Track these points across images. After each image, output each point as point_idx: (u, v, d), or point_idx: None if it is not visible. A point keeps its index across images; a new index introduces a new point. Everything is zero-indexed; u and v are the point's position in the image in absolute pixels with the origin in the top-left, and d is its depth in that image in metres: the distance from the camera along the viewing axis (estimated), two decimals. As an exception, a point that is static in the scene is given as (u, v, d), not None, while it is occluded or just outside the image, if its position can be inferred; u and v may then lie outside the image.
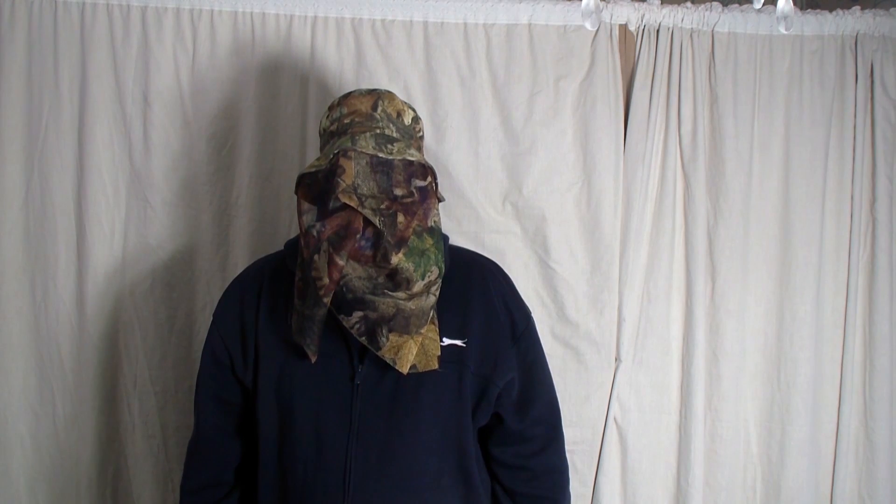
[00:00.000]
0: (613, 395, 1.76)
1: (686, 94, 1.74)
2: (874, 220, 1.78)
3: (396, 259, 1.17)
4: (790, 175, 1.77)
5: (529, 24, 1.73)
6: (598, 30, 1.73)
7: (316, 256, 1.18)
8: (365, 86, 1.62)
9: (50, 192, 1.70)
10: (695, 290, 1.75)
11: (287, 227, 1.73)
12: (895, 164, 1.78)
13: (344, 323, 1.21)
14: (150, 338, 1.73)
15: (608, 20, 1.74)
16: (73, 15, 1.67)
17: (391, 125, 1.25)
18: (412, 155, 1.23)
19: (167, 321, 1.74)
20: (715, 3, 1.75)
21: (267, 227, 1.74)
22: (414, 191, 1.21)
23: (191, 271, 1.74)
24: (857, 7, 1.77)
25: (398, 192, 1.20)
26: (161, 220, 1.72)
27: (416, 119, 1.31)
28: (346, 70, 1.72)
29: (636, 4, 1.74)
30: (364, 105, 1.26)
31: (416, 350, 1.21)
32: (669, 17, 1.74)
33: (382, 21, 1.72)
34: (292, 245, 1.31)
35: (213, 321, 1.36)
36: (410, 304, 1.20)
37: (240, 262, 1.70)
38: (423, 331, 1.21)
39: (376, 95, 1.27)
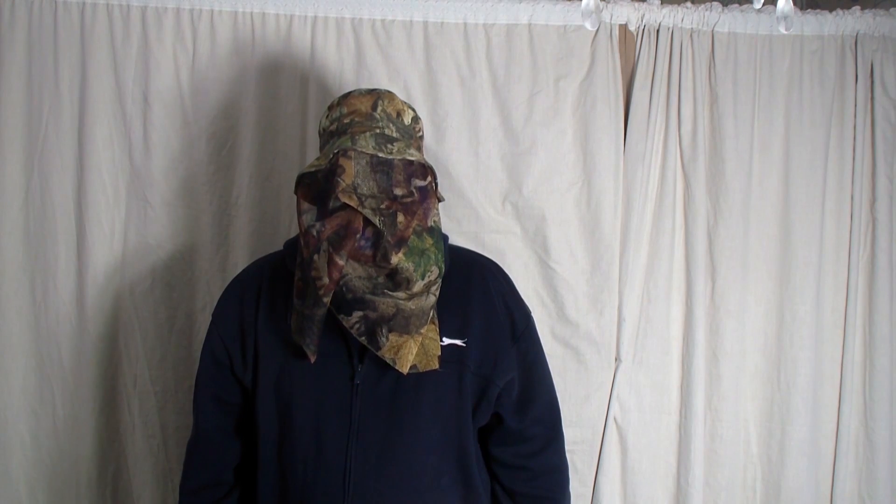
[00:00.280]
0: (613, 395, 1.76)
1: (686, 94, 1.74)
2: (874, 220, 1.78)
3: (396, 259, 1.17)
4: (790, 175, 1.77)
5: (529, 24, 1.73)
6: (598, 30, 1.73)
7: (316, 256, 1.18)
8: (365, 86, 1.62)
9: (50, 192, 1.70)
10: (695, 290, 1.75)
11: (287, 227, 1.73)
12: (895, 164, 1.78)
13: (344, 323, 1.21)
14: (150, 338, 1.73)
15: (608, 20, 1.74)
16: (73, 15, 1.67)
17: (391, 125, 1.25)
18: (412, 155, 1.23)
19: (167, 321, 1.74)
20: (715, 3, 1.75)
21: (267, 227, 1.74)
22: (414, 190, 1.21)
23: (191, 271, 1.74)
24: (857, 7, 1.77)
25: (398, 191, 1.20)
26: (161, 220, 1.72)
27: (415, 119, 1.31)
28: (346, 70, 1.72)
29: (636, 4, 1.74)
30: (364, 105, 1.26)
31: (415, 350, 1.21)
32: (669, 17, 1.74)
33: (382, 21, 1.72)
34: (292, 245, 1.31)
35: (212, 321, 1.36)
36: (410, 304, 1.20)
37: (240, 262, 1.70)
38: (423, 331, 1.21)
39: (376, 95, 1.27)
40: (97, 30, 1.68)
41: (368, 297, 1.19)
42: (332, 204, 1.18)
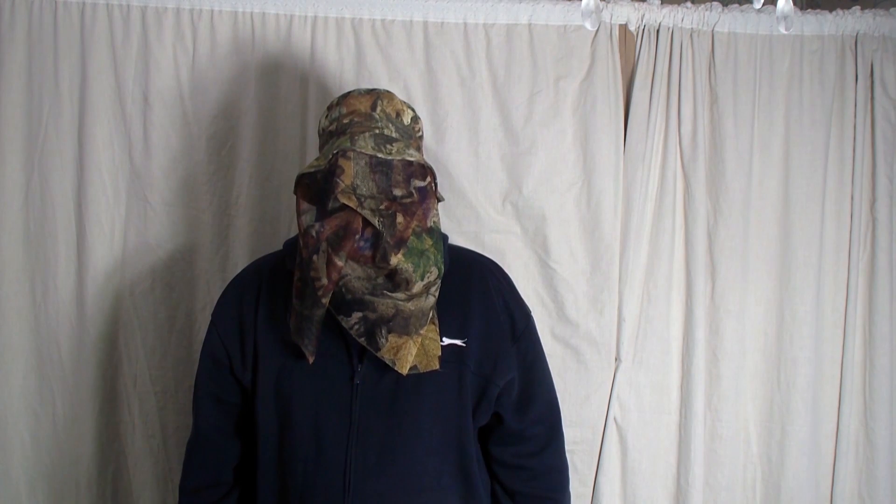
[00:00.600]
0: (613, 395, 1.76)
1: (686, 94, 1.74)
2: (874, 220, 1.78)
3: (396, 259, 1.17)
4: (790, 175, 1.77)
5: (529, 24, 1.73)
6: (598, 30, 1.73)
7: (315, 257, 1.18)
8: (365, 86, 1.61)
9: (50, 192, 1.70)
10: (695, 290, 1.75)
11: (287, 227, 1.73)
12: (895, 164, 1.78)
13: (343, 323, 1.21)
14: (150, 338, 1.73)
15: (608, 20, 1.73)
16: (73, 15, 1.67)
17: (390, 125, 1.25)
18: (411, 155, 1.22)
19: (167, 321, 1.74)
20: (715, 3, 1.75)
21: (267, 227, 1.74)
22: (413, 191, 1.21)
23: (191, 271, 1.74)
24: (857, 7, 1.77)
25: (397, 192, 1.20)
26: (161, 220, 1.72)
27: (415, 119, 1.31)
28: (346, 70, 1.72)
29: (636, 4, 1.74)
30: (363, 105, 1.26)
31: (415, 351, 1.21)
32: (669, 17, 1.74)
33: (382, 21, 1.72)
34: (292, 245, 1.31)
35: (211, 321, 1.36)
36: (410, 305, 1.20)
37: (240, 262, 1.70)
38: (422, 331, 1.21)
39: (375, 95, 1.27)
40: (97, 30, 1.68)
41: (368, 297, 1.19)
42: (331, 204, 1.18)
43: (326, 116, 1.30)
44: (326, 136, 1.28)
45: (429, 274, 1.20)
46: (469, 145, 1.73)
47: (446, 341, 1.26)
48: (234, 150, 1.72)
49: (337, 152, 1.19)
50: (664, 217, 1.76)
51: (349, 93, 1.30)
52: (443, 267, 1.23)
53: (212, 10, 1.70)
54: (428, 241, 1.21)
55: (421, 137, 1.33)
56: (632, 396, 1.77)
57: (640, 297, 1.77)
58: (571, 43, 1.74)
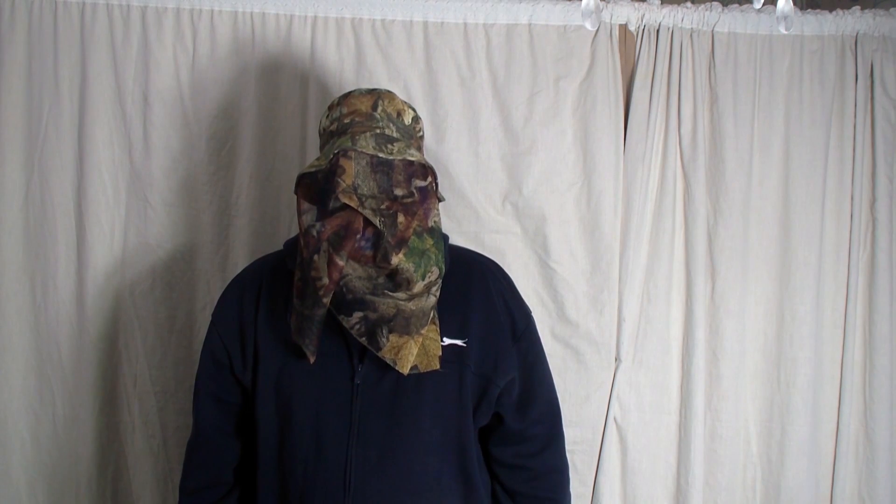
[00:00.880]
0: (613, 395, 1.76)
1: (686, 94, 1.74)
2: (874, 220, 1.78)
3: (396, 259, 1.17)
4: (790, 175, 1.77)
5: (529, 24, 1.73)
6: (598, 30, 1.73)
7: (316, 256, 1.18)
8: (365, 86, 1.61)
9: (50, 192, 1.70)
10: (695, 290, 1.75)
11: (287, 227, 1.73)
12: (895, 164, 1.78)
13: (344, 323, 1.20)
14: (150, 338, 1.73)
15: (608, 20, 1.74)
16: (73, 15, 1.67)
17: (391, 125, 1.25)
18: (412, 155, 1.22)
19: (167, 321, 1.74)
20: (715, 3, 1.75)
21: (267, 227, 1.74)
22: (414, 191, 1.21)
23: (191, 271, 1.74)
24: (857, 7, 1.77)
25: (398, 192, 1.20)
26: (161, 220, 1.72)
27: (416, 119, 1.31)
28: (346, 70, 1.72)
29: (636, 4, 1.74)
30: (364, 105, 1.26)
31: (416, 351, 1.21)
32: (669, 17, 1.74)
33: (382, 21, 1.72)
34: (292, 245, 1.31)
35: (212, 321, 1.36)
36: (410, 305, 1.19)
37: (240, 262, 1.69)
38: (423, 331, 1.21)
39: (376, 95, 1.27)
40: (97, 30, 1.68)
41: (368, 297, 1.19)
42: (332, 204, 1.18)
43: (327, 116, 1.30)
44: (327, 136, 1.29)
45: (430, 274, 1.20)
46: (469, 145, 1.73)
47: (447, 341, 1.26)
48: (234, 150, 1.72)
49: (338, 152, 1.19)
50: (664, 217, 1.76)
51: (350, 93, 1.30)
52: (444, 267, 1.23)
53: (212, 10, 1.70)
54: (429, 241, 1.21)
55: (422, 137, 1.33)
56: (632, 396, 1.77)
57: (640, 297, 1.77)
58: (571, 43, 1.74)
